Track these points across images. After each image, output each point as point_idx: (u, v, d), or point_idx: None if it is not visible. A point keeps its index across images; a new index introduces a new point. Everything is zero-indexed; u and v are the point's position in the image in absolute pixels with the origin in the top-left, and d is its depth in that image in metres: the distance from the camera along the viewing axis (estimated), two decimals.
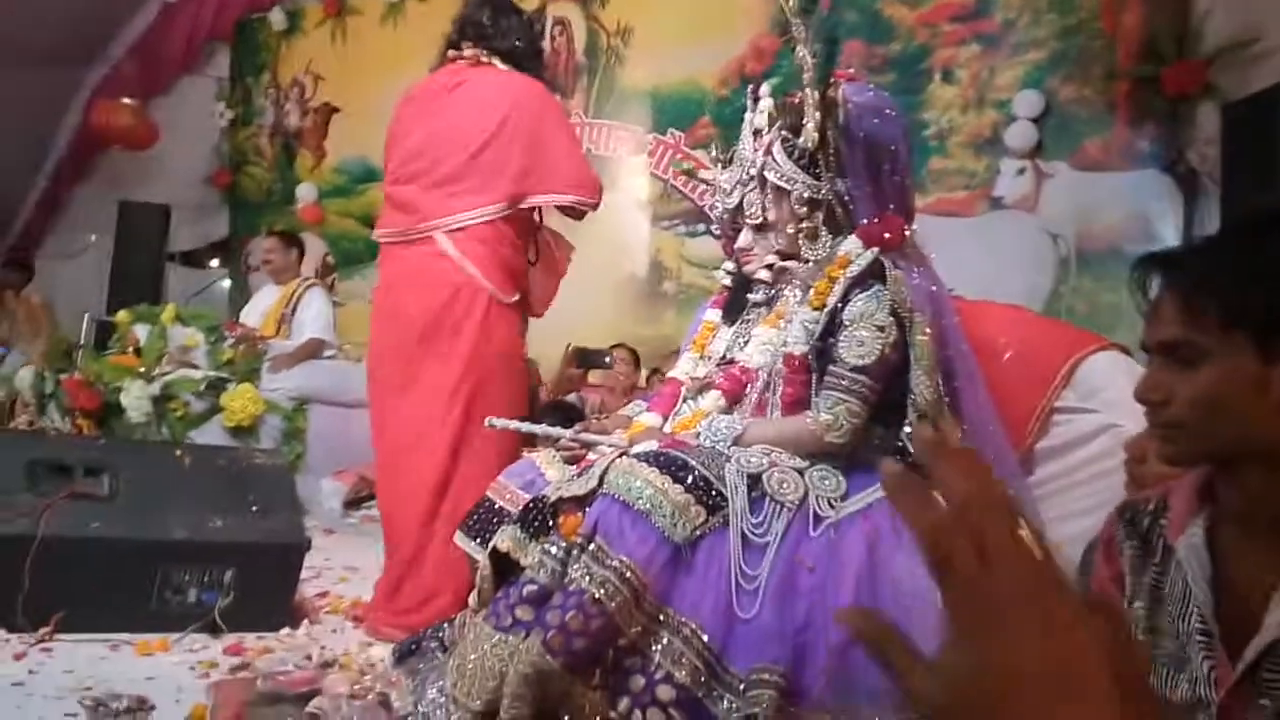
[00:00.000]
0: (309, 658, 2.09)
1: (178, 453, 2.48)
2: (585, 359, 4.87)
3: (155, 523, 2.24)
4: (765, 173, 2.00)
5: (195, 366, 4.12)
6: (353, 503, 4.75)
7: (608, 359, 4.96)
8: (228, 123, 7.80)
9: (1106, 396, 1.96)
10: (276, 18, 7.61)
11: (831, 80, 1.97)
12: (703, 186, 5.25)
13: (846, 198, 1.95)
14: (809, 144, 1.94)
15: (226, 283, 7.57)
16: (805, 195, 1.97)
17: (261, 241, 5.79)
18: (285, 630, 2.35)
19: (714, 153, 2.26)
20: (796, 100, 2.00)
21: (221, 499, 2.37)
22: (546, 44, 2.76)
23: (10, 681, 1.82)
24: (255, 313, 5.09)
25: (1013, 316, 2.39)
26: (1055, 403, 2.02)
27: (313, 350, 4.88)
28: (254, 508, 2.40)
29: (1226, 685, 0.93)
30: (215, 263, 7.88)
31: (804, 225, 1.98)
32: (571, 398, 4.63)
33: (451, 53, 2.61)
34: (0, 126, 7.58)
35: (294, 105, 7.58)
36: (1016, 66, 4.64)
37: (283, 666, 1.89)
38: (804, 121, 1.95)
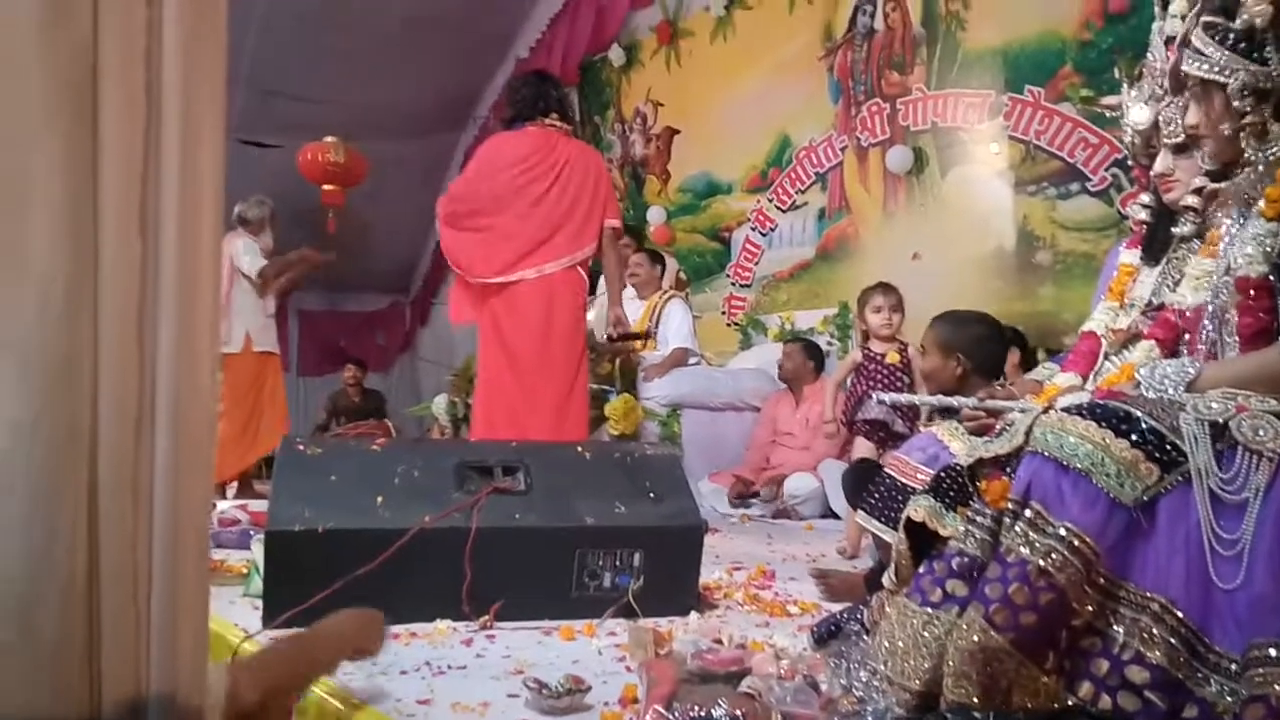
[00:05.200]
0: (719, 640, 2.07)
1: (579, 449, 2.61)
2: None
3: (568, 511, 2.36)
4: (1184, 67, 1.71)
5: None
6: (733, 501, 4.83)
7: None
8: None
9: None
10: (616, 55, 8.01)
11: None
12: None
13: None
14: (1258, 20, 1.62)
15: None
16: (1249, 83, 1.64)
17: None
18: (693, 614, 2.37)
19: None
20: None
21: (622, 488, 2.46)
22: None
23: (457, 664, 1.95)
24: None
25: None
26: None
27: (679, 359, 5.07)
28: (650, 494, 2.47)
29: None
30: None
31: (1247, 121, 1.65)
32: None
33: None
34: (396, 193, 8.72)
35: (638, 135, 7.93)
36: None
37: (700, 649, 1.87)
38: None
